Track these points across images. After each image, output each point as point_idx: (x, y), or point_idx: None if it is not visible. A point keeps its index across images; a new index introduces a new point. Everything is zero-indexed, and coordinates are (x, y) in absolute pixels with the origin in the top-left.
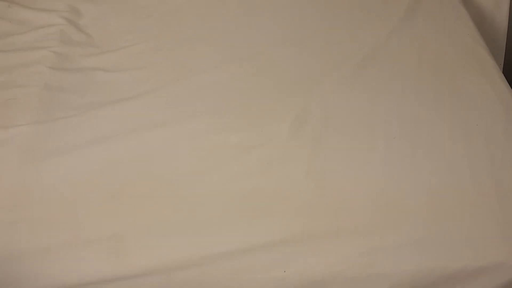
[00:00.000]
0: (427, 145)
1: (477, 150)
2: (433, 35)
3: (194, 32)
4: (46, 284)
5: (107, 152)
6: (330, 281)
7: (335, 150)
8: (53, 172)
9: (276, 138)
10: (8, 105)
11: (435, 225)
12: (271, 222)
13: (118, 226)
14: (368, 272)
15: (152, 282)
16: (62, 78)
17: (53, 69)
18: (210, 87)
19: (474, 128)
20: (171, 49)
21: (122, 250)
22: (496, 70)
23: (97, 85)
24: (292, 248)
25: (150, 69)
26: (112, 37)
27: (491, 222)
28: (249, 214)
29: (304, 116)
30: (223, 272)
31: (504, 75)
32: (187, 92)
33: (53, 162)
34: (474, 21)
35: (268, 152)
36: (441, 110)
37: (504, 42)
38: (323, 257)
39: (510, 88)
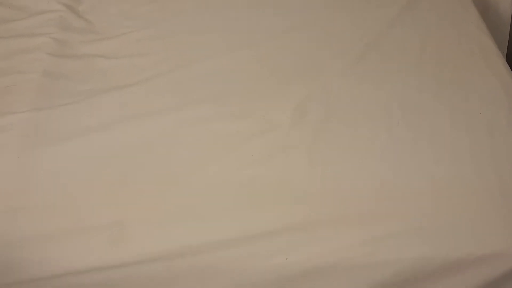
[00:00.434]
0: (430, 133)
1: (479, 138)
2: (436, 23)
3: (195, 19)
4: (47, 271)
5: (107, 139)
6: (332, 269)
7: (337, 138)
8: (53, 159)
9: (278, 127)
10: (7, 92)
11: (437, 214)
12: (273, 210)
13: (119, 214)
14: (370, 260)
15: (153, 269)
16: (62, 65)
17: (53, 55)
18: (212, 75)
19: (477, 117)
20: (172, 36)
21: (123, 237)
22: (500, 58)
23: (97, 72)
24: (294, 236)
25: (150, 56)
26: (112, 24)
27: (493, 211)
28: (250, 202)
29: (306, 105)
30: (224, 259)
31: (508, 63)
32: (188, 80)
33: (53, 149)
34: (478, 9)
35: (270, 141)
36: (444, 98)
37: (508, 30)
38: (325, 245)
39: None
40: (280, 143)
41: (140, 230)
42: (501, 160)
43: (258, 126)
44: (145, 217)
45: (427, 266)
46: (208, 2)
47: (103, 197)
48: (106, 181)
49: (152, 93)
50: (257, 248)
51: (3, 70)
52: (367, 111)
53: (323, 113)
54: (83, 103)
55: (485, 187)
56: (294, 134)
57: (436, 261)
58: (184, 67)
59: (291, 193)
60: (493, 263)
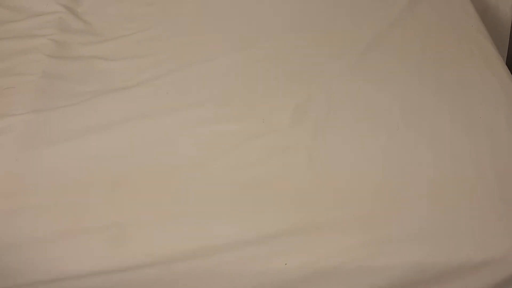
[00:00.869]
0: (430, 136)
1: (480, 141)
2: (436, 25)
3: (195, 20)
4: (46, 273)
5: (106, 140)
6: (332, 273)
7: (337, 139)
8: (52, 161)
9: (278, 127)
10: (5, 93)
11: (438, 218)
12: (272, 213)
13: (118, 216)
14: (370, 264)
15: (152, 272)
16: (61, 66)
17: (52, 57)
18: (211, 76)
19: (477, 120)
20: (172, 38)
21: (122, 239)
22: (500, 61)
23: (96, 73)
24: (293, 239)
25: (150, 58)
26: (112, 25)
27: (494, 215)
28: (250, 204)
29: (307, 105)
30: (223, 263)
31: (508, 66)
32: (188, 81)
33: (52, 151)
34: (478, 12)
35: (269, 142)
36: (444, 101)
37: (508, 33)
38: (324, 248)
39: None
40: (280, 144)
41: (139, 232)
42: (501, 162)
43: (258, 127)
44: (144, 219)
45: (427, 271)
46: (207, 3)
47: (102, 199)
48: (105, 183)
49: (152, 95)
50: (257, 251)
51: (1, 71)
52: (368, 112)
53: (324, 114)
54: (82, 105)
55: (486, 191)
56: (294, 135)
57: (437, 266)
58: (183, 69)
59: (291, 195)
60: (494, 268)
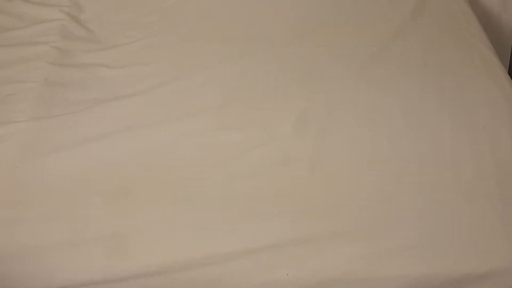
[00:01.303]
0: (433, 146)
1: (482, 150)
2: (438, 35)
3: (197, 28)
4: (46, 283)
5: (107, 149)
6: (334, 284)
7: (339, 149)
8: (53, 169)
9: (280, 137)
10: (7, 100)
11: (440, 229)
12: (274, 223)
13: (119, 225)
14: (372, 275)
15: (153, 282)
16: (63, 74)
17: (54, 64)
18: (213, 84)
19: (479, 129)
20: (174, 46)
21: (123, 249)
22: (502, 71)
23: (98, 81)
24: (294, 250)
25: (152, 66)
26: (114, 33)
27: (496, 225)
28: (251, 214)
29: (309, 114)
30: (225, 273)
31: (510, 76)
32: (190, 89)
33: (53, 159)
34: (480, 22)
35: (271, 151)
36: (446, 110)
37: (510, 42)
38: (326, 259)
39: None
40: (282, 153)
41: (140, 242)
42: (503, 171)
43: (260, 136)
44: (145, 229)
45: (429, 283)
46: (210, 11)
47: (103, 208)
48: (105, 192)
49: (153, 103)
50: (259, 261)
51: (3, 78)
52: (370, 122)
53: (326, 123)
54: (83, 113)
55: (488, 202)
56: (296, 144)
57: (440, 278)
58: (185, 77)
59: (293, 205)
60: (497, 279)
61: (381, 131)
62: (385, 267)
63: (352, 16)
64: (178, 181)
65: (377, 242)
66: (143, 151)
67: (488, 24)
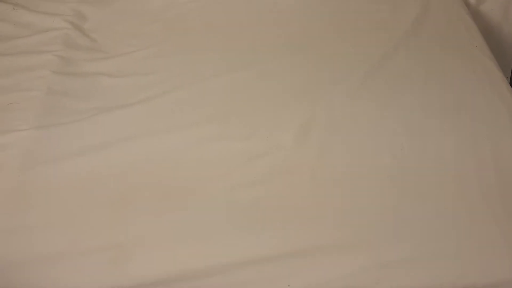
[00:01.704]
0: (435, 157)
1: (485, 163)
2: (440, 47)
3: (199, 38)
4: None
5: (109, 158)
6: None
7: (341, 159)
8: (55, 178)
9: (281, 147)
10: (10, 109)
11: (442, 240)
12: (275, 234)
13: (120, 235)
14: (374, 287)
15: None
16: (66, 83)
17: (57, 73)
18: (216, 94)
19: (482, 141)
20: (176, 55)
21: (123, 259)
22: (504, 83)
23: (101, 90)
24: (296, 261)
25: (154, 75)
26: (117, 42)
27: (499, 238)
28: (252, 224)
29: (310, 126)
30: (226, 284)
31: None
32: (192, 99)
33: (55, 167)
34: (482, 33)
35: (273, 161)
36: (448, 122)
37: None
38: (328, 271)
39: None
40: (283, 164)
41: (141, 252)
42: (507, 186)
43: (261, 146)
44: (146, 239)
45: None
46: (211, 22)
47: (104, 218)
48: (107, 201)
49: (155, 112)
50: (259, 273)
51: (6, 87)
52: (371, 133)
53: (327, 133)
54: (86, 121)
55: (492, 214)
56: (298, 155)
57: None
58: (187, 87)
59: (294, 216)
60: None
61: (383, 141)
62: (387, 278)
63: (353, 27)
64: (180, 190)
65: (379, 254)
66: (145, 160)
67: (490, 35)
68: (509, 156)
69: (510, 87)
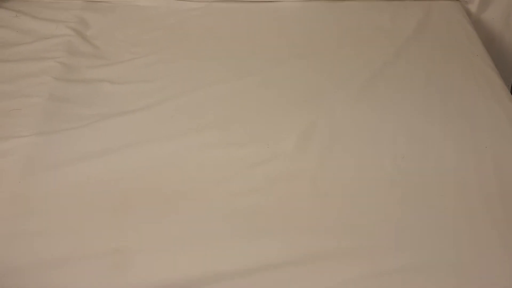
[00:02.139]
0: (435, 164)
1: (486, 172)
2: (441, 55)
3: (201, 45)
4: None
5: (110, 164)
6: None
7: (342, 167)
8: (56, 184)
9: (282, 154)
10: (12, 115)
11: (443, 249)
12: (275, 241)
13: (120, 241)
14: None
15: None
16: (68, 89)
17: (59, 79)
18: (217, 101)
19: (483, 149)
20: (177, 62)
21: (123, 265)
22: (505, 91)
23: (102, 96)
24: (296, 269)
25: (156, 82)
26: (119, 49)
27: (501, 247)
28: (252, 231)
29: (311, 132)
30: None
31: None
32: (193, 106)
33: (56, 174)
34: (483, 42)
35: (273, 168)
36: (449, 129)
37: None
38: (328, 278)
39: None
40: (284, 171)
41: (142, 258)
42: (508, 194)
43: (262, 153)
44: (146, 245)
45: None
46: (212, 29)
47: (105, 224)
48: (108, 207)
49: (156, 119)
50: (260, 280)
51: (8, 93)
52: (372, 140)
53: (328, 141)
54: (87, 128)
55: (493, 222)
56: (298, 163)
57: None
58: (188, 93)
59: (294, 223)
60: None
61: (384, 149)
62: (386, 287)
63: (355, 35)
64: (180, 197)
65: (379, 262)
66: (146, 166)
67: (491, 43)
68: (510, 164)
69: (511, 95)
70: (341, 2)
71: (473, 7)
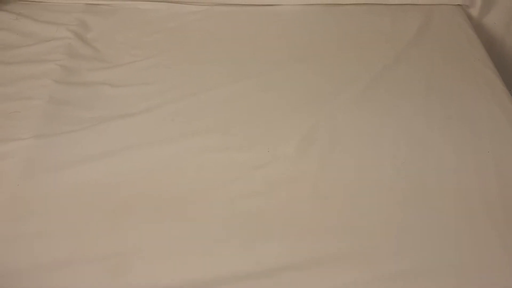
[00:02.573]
0: (436, 169)
1: (487, 176)
2: (442, 59)
3: (201, 49)
4: None
5: (110, 167)
6: None
7: (342, 171)
8: (55, 187)
9: (283, 158)
10: (12, 117)
11: (444, 253)
12: (275, 245)
13: (120, 244)
14: None
15: None
16: (68, 92)
17: (59, 82)
18: (217, 104)
19: (484, 153)
20: (178, 65)
21: (123, 269)
22: (506, 94)
23: (102, 99)
24: (296, 273)
25: (156, 85)
26: (119, 52)
27: (502, 251)
28: (253, 235)
29: (312, 136)
30: None
31: None
32: (194, 109)
33: (55, 176)
34: (484, 46)
35: (274, 172)
36: (450, 133)
37: None
38: (328, 282)
39: None
40: (284, 175)
41: (141, 262)
42: (509, 198)
43: (263, 157)
44: (146, 248)
45: None
46: (213, 32)
47: (104, 227)
48: (108, 210)
49: (157, 122)
50: (260, 284)
51: (9, 95)
52: (373, 144)
53: (329, 145)
54: (87, 131)
55: (494, 225)
56: (298, 166)
57: None
58: (189, 97)
59: (295, 227)
60: None
61: (385, 154)
62: None
63: (355, 38)
64: (180, 200)
65: (380, 265)
66: (146, 169)
67: (492, 48)
68: (511, 168)
69: None
70: (342, 6)
71: (474, 11)
